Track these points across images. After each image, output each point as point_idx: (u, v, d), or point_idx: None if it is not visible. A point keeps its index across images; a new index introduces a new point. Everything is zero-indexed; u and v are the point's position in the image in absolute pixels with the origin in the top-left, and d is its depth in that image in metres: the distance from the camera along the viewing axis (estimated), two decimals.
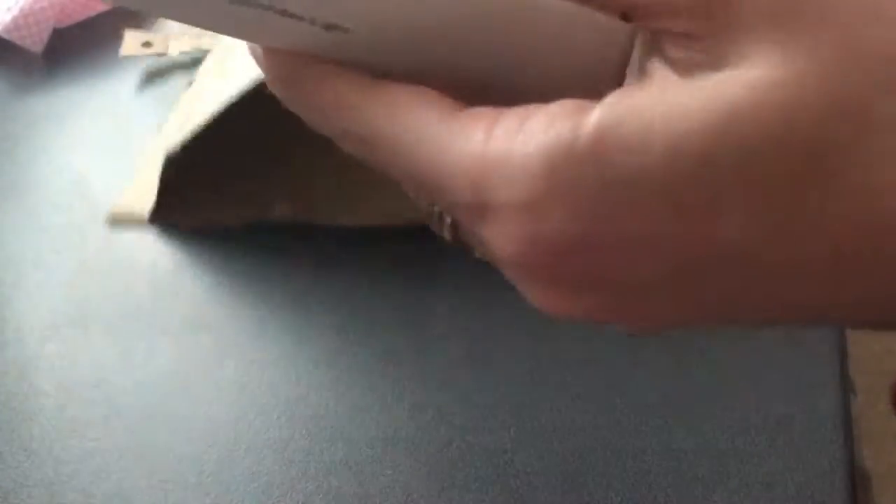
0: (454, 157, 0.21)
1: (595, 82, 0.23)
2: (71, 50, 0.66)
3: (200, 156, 0.49)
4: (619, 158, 0.19)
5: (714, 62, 0.20)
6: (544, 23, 0.23)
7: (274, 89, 0.24)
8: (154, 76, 0.63)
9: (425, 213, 0.28)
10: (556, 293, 0.21)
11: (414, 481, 0.38)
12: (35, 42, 0.65)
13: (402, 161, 0.22)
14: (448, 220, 0.28)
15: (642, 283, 0.21)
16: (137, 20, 0.66)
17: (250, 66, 0.41)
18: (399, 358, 0.43)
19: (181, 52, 0.63)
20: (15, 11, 0.64)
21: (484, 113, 0.21)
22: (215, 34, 0.25)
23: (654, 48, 0.22)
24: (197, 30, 0.41)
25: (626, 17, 0.22)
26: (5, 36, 0.64)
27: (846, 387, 0.41)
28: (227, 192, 0.52)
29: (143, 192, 0.52)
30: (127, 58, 0.63)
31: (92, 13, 0.68)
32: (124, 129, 0.58)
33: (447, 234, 0.28)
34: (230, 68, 0.49)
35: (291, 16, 0.22)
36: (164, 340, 0.45)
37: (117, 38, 0.64)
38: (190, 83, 0.57)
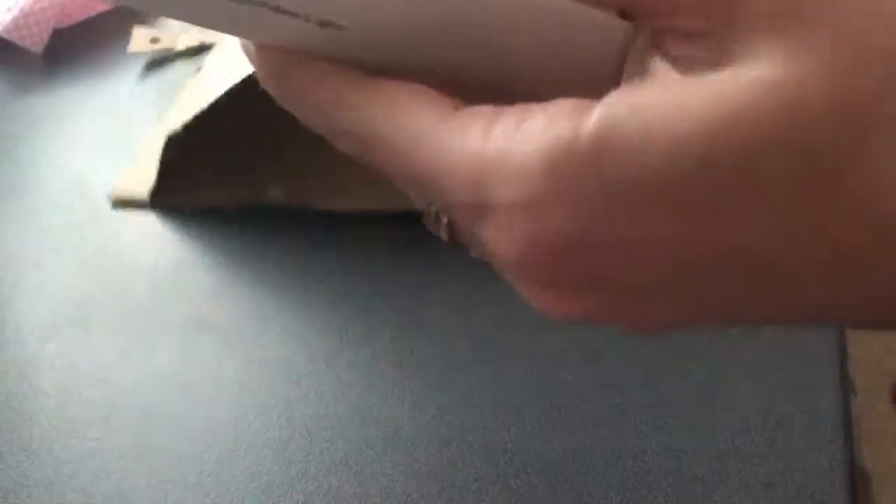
0: (453, 156, 0.21)
1: (593, 79, 0.23)
2: (71, 50, 0.66)
3: (201, 138, 0.50)
4: (619, 158, 0.19)
5: (715, 60, 0.20)
6: (541, 20, 0.22)
7: (267, 86, 0.24)
8: (155, 66, 0.63)
9: (423, 213, 0.28)
10: (554, 293, 0.21)
11: (414, 481, 0.38)
12: (35, 42, 0.65)
13: (399, 160, 0.22)
14: (445, 220, 0.28)
15: (642, 284, 0.21)
16: (138, 19, 0.66)
17: None
18: (399, 358, 0.43)
19: (188, 47, 0.63)
20: (15, 11, 0.64)
21: (482, 112, 0.21)
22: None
23: (654, 45, 0.21)
24: None
25: (624, 14, 0.22)
26: (5, 36, 0.64)
27: (846, 387, 0.41)
28: (225, 175, 0.52)
29: (143, 175, 0.53)
30: (133, 55, 0.64)
31: (92, 13, 0.68)
32: (124, 129, 0.58)
33: (444, 235, 0.28)
34: (237, 56, 0.49)
35: (285, 12, 0.22)
36: (164, 340, 0.45)
37: (118, 38, 0.64)
38: (198, 69, 0.58)
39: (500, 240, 0.21)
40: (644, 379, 0.41)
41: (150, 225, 0.52)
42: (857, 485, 0.38)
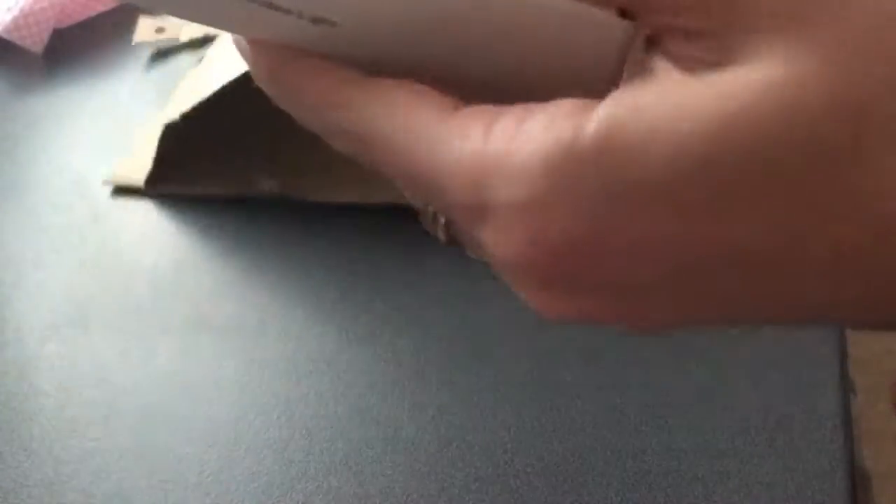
0: (452, 156, 0.21)
1: (592, 78, 0.23)
2: (71, 50, 0.66)
3: (198, 128, 0.50)
4: (621, 159, 0.19)
5: (718, 60, 0.20)
6: (540, 18, 0.22)
7: (261, 83, 0.24)
8: (160, 58, 0.63)
9: (421, 213, 0.28)
10: (553, 295, 0.21)
11: (414, 481, 0.38)
12: (35, 42, 0.65)
13: (398, 161, 0.22)
14: (442, 219, 0.28)
15: (642, 284, 0.21)
16: (143, 10, 0.66)
17: None
18: (399, 358, 0.43)
19: (191, 38, 0.63)
20: (15, 11, 0.64)
21: (482, 112, 0.21)
22: None
23: (655, 44, 0.21)
24: None
25: (624, 13, 0.22)
26: (5, 36, 0.64)
27: (846, 387, 0.41)
28: (221, 166, 0.53)
29: (141, 163, 0.54)
30: (138, 45, 0.64)
31: (92, 13, 0.68)
32: (124, 129, 0.58)
33: (441, 235, 0.28)
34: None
35: (277, 9, 0.22)
36: (164, 340, 0.45)
37: (118, 38, 0.64)
38: (200, 59, 0.58)
39: (499, 240, 0.21)
40: (644, 379, 0.41)
41: (150, 225, 0.52)
42: (857, 485, 0.38)
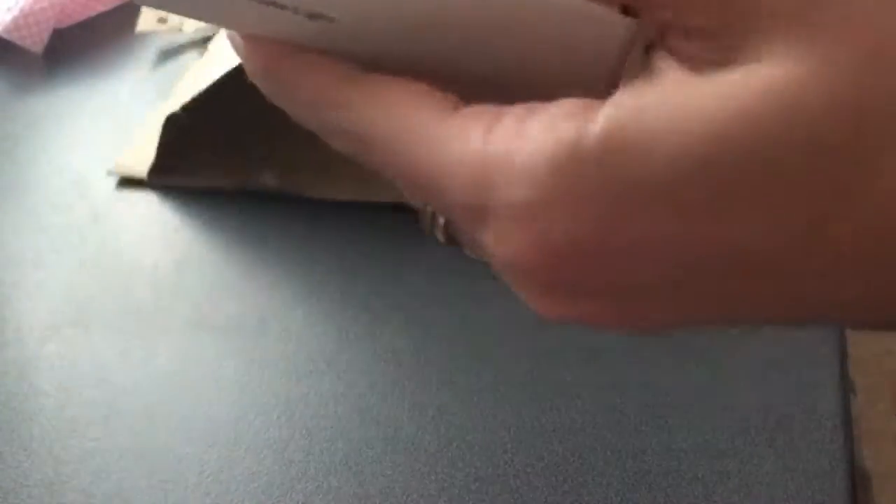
0: (453, 157, 0.21)
1: (593, 76, 0.23)
2: (71, 50, 0.66)
3: (200, 119, 0.50)
4: (624, 161, 0.19)
5: (719, 59, 0.19)
6: (540, 13, 0.22)
7: (255, 80, 0.23)
8: (168, 56, 0.63)
9: (419, 214, 0.28)
10: (554, 297, 0.21)
11: (414, 481, 0.38)
12: (35, 42, 0.65)
13: (398, 161, 0.22)
14: (441, 220, 0.27)
15: (642, 284, 0.20)
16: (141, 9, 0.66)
17: None
18: (399, 358, 0.43)
19: (196, 29, 0.63)
20: (15, 11, 0.64)
21: (483, 112, 0.21)
22: None
23: (658, 42, 0.21)
24: None
25: (627, 10, 0.22)
26: (5, 36, 0.64)
27: (846, 387, 0.41)
28: (222, 157, 0.53)
29: (143, 155, 0.54)
30: (141, 34, 0.64)
31: (92, 13, 0.68)
32: (124, 130, 0.58)
33: (440, 235, 0.28)
34: None
35: (273, 4, 0.21)
36: (164, 340, 0.45)
37: (118, 38, 0.64)
38: (201, 53, 0.58)
39: (500, 242, 0.21)
40: (644, 379, 0.41)
41: (151, 225, 0.52)
42: (857, 485, 0.38)
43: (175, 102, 0.51)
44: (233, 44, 0.23)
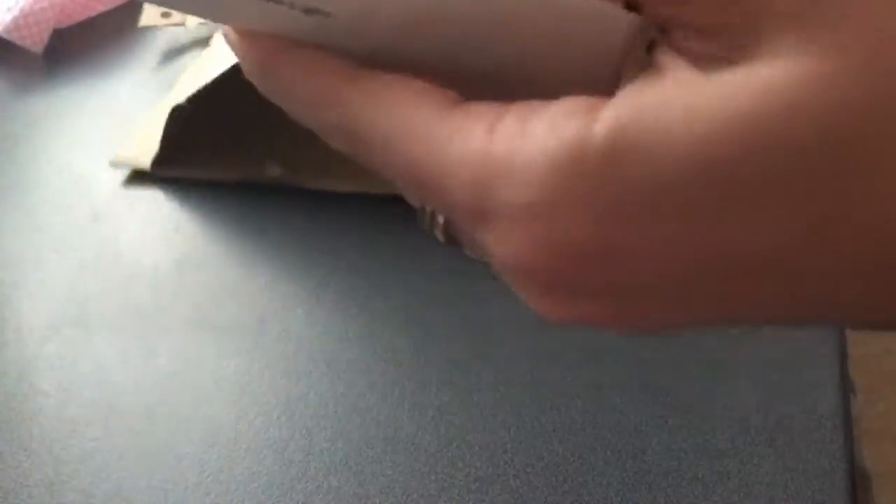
0: (454, 156, 0.21)
1: (595, 72, 0.23)
2: (71, 50, 0.66)
3: (203, 111, 0.51)
4: (628, 162, 0.19)
5: (730, 57, 0.19)
6: (541, 8, 0.21)
7: (252, 77, 0.23)
8: (173, 56, 0.63)
9: (419, 213, 0.28)
10: (555, 298, 0.21)
11: (414, 481, 0.38)
12: (35, 42, 0.65)
13: (397, 160, 0.21)
14: (441, 220, 0.27)
15: (643, 285, 0.20)
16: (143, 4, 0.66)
17: None
18: (399, 358, 0.43)
19: (199, 24, 0.63)
20: (15, 11, 0.64)
21: (484, 110, 0.21)
22: None
23: (664, 39, 0.21)
24: None
25: (630, 5, 0.22)
26: (5, 36, 0.64)
27: (846, 387, 0.41)
28: (224, 149, 0.53)
29: (145, 146, 0.54)
30: (145, 28, 0.64)
31: (92, 13, 0.68)
32: (124, 130, 0.58)
33: (440, 235, 0.27)
34: None
35: None
36: (164, 340, 0.45)
37: (118, 38, 0.64)
38: (204, 47, 0.59)
39: (501, 242, 0.21)
40: (644, 379, 0.41)
41: (151, 225, 0.52)
42: (857, 485, 0.38)
43: (179, 94, 0.51)
44: (228, 40, 0.23)
